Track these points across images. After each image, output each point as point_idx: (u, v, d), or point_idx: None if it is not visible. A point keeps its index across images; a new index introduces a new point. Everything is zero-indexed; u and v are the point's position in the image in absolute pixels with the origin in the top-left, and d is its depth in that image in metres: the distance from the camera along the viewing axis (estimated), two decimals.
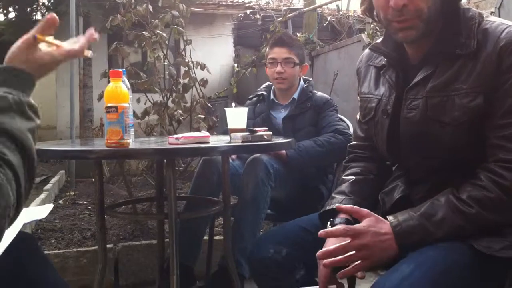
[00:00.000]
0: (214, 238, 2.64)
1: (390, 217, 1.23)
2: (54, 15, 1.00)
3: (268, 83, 2.75)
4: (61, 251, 2.80)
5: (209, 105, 3.19)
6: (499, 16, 3.49)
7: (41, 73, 0.99)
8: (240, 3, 9.84)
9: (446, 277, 1.10)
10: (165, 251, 2.33)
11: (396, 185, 1.40)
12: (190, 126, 3.12)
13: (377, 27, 5.08)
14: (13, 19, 7.78)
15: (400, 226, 1.19)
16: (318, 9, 8.04)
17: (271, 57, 2.57)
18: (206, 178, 2.38)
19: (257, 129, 1.91)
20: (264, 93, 2.68)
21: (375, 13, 1.34)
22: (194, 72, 3.11)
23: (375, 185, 1.47)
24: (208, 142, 1.78)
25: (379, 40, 1.42)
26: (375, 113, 1.41)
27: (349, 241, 1.19)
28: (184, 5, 3.06)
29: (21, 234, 1.22)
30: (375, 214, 1.24)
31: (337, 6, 9.21)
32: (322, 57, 6.33)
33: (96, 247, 2.66)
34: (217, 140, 1.95)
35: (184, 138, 1.75)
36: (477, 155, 1.22)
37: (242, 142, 1.81)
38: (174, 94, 3.10)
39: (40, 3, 7.65)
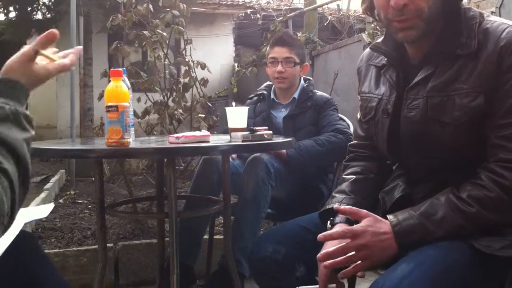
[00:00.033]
0: (214, 237, 2.64)
1: (390, 216, 1.23)
2: (55, 30, 1.01)
3: (268, 82, 2.75)
4: (61, 250, 2.80)
5: (210, 104, 3.19)
6: (500, 16, 3.49)
7: (34, 86, 1.01)
8: (240, 3, 9.84)
9: (446, 276, 1.10)
10: (165, 250, 2.33)
11: (396, 185, 1.40)
12: (190, 126, 3.12)
13: (377, 27, 5.08)
14: (13, 19, 7.78)
15: (400, 225, 1.19)
16: (318, 8, 8.04)
17: (271, 56, 2.57)
18: (206, 177, 2.38)
19: (257, 128, 1.91)
20: (265, 92, 2.68)
21: (376, 12, 1.34)
22: (195, 72, 3.11)
23: (375, 184, 1.47)
24: (208, 141, 1.78)
25: (379, 40, 1.42)
26: (376, 113, 1.41)
27: (349, 241, 1.19)
28: (184, 5, 3.06)
29: (21, 233, 1.22)
30: (374, 214, 1.24)
31: (338, 5, 9.21)
32: (323, 57, 6.33)
33: (96, 246, 2.65)
34: (218, 139, 1.95)
35: (184, 137, 1.75)
36: (478, 155, 1.22)
37: (242, 141, 1.81)
38: (174, 94, 3.10)
39: (41, 3, 7.66)
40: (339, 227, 1.33)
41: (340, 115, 2.60)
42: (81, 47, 1.13)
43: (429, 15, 1.23)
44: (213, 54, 8.64)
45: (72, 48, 1.12)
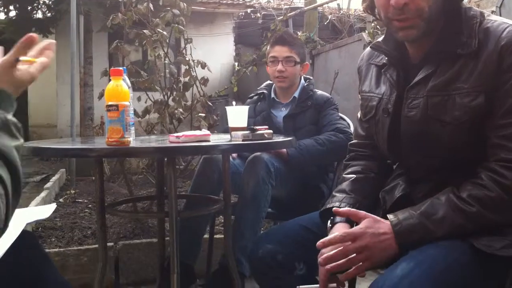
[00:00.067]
0: (215, 236, 2.65)
1: (390, 216, 1.23)
2: (34, 35, 1.01)
3: (269, 81, 2.75)
4: (61, 249, 2.80)
5: (210, 103, 3.19)
6: (500, 15, 3.49)
7: (19, 92, 1.01)
8: (241, 2, 9.83)
9: (446, 275, 1.10)
10: (165, 249, 2.33)
11: (397, 184, 1.40)
12: (190, 125, 3.12)
13: (378, 26, 5.07)
14: (13, 18, 7.78)
15: (400, 225, 1.19)
16: (319, 8, 8.03)
17: (272, 55, 2.57)
18: (206, 177, 2.38)
19: (257, 127, 1.90)
20: (265, 91, 2.68)
21: (376, 11, 1.34)
22: (195, 71, 3.11)
23: (375, 183, 1.47)
24: (208, 141, 1.78)
25: (380, 39, 1.42)
26: (376, 112, 1.41)
27: (349, 244, 1.19)
28: (185, 4, 3.06)
29: (22, 233, 1.22)
30: (373, 215, 1.24)
31: (338, 5, 9.19)
32: (323, 56, 6.33)
33: (96, 246, 2.66)
34: (218, 139, 1.95)
35: (184, 136, 1.75)
36: (478, 154, 1.22)
37: (242, 140, 1.81)
38: (174, 93, 3.10)
39: (41, 2, 7.66)
40: (339, 227, 1.33)
41: (340, 114, 2.59)
42: (54, 41, 1.11)
43: (429, 15, 1.23)
44: (213, 53, 8.64)
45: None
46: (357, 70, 1.56)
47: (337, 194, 1.45)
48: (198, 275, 2.44)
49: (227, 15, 10.09)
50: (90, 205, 4.09)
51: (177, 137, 1.76)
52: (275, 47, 2.57)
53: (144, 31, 3.00)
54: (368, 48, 1.51)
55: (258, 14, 7.57)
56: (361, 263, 1.18)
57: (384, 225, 1.21)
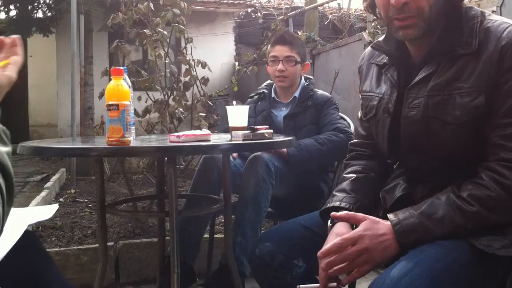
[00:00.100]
0: (215, 236, 2.64)
1: (390, 215, 1.23)
2: (1, 38, 1.00)
3: (269, 81, 2.75)
4: (61, 249, 2.81)
5: (210, 103, 3.18)
6: (501, 15, 3.48)
7: (1, 97, 0.99)
8: (241, 2, 9.82)
9: (446, 275, 1.10)
10: (165, 249, 2.33)
11: (397, 184, 1.40)
12: (191, 124, 3.12)
13: (378, 26, 5.07)
14: (14, 17, 7.77)
15: (400, 224, 1.19)
16: (319, 7, 8.03)
17: (272, 55, 2.57)
18: (206, 176, 2.38)
19: (258, 127, 1.90)
20: (265, 91, 2.68)
21: (377, 11, 1.34)
22: (195, 70, 3.10)
23: (376, 183, 1.47)
24: (209, 140, 1.78)
25: (381, 38, 1.42)
26: (377, 111, 1.41)
27: (349, 248, 1.19)
28: (185, 3, 3.05)
29: (24, 233, 1.22)
30: (371, 216, 1.24)
31: (338, 4, 9.20)
32: (323, 56, 6.33)
33: (96, 245, 2.66)
34: (218, 138, 1.95)
35: (185, 136, 1.75)
36: (478, 154, 1.22)
37: (243, 140, 1.81)
38: (175, 92, 3.10)
39: (41, 1, 7.65)
40: (339, 226, 1.33)
41: (340, 114, 2.59)
42: (18, 36, 1.08)
43: (430, 14, 1.23)
44: (214, 53, 8.64)
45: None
46: (357, 70, 1.56)
47: (338, 194, 1.45)
48: (198, 274, 2.44)
49: (227, 15, 10.09)
50: (90, 205, 4.09)
51: (177, 136, 1.76)
52: (276, 46, 2.57)
53: (145, 30, 3.00)
54: (369, 48, 1.51)
55: (259, 14, 7.57)
56: (362, 266, 1.18)
57: (383, 225, 1.21)
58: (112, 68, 1.67)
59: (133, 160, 5.02)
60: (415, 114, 1.28)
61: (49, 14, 7.76)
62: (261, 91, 2.70)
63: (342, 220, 1.29)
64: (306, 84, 2.63)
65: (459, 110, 1.21)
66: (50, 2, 7.60)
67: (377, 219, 1.23)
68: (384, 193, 1.42)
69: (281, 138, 1.98)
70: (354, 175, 1.49)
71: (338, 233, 1.28)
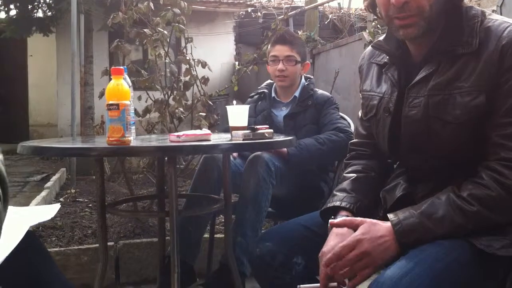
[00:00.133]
0: (215, 236, 2.64)
1: (390, 215, 1.23)
2: None
3: (269, 81, 2.75)
4: (62, 249, 2.81)
5: (210, 103, 3.18)
6: (501, 14, 3.48)
7: None
8: (241, 1, 9.81)
9: (446, 274, 1.10)
10: (166, 248, 2.33)
11: (397, 183, 1.40)
12: (191, 124, 3.12)
13: (378, 25, 5.07)
14: (14, 17, 7.77)
15: (401, 224, 1.19)
16: (319, 7, 8.02)
17: (272, 54, 2.57)
18: (207, 176, 2.38)
19: (258, 127, 1.90)
20: (266, 91, 2.68)
21: (377, 10, 1.34)
22: (195, 70, 3.10)
23: (376, 182, 1.47)
24: (209, 140, 1.78)
25: (381, 38, 1.42)
26: (377, 111, 1.41)
27: (349, 254, 1.19)
28: (185, 3, 3.05)
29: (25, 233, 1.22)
30: (369, 219, 1.24)
31: (339, 4, 9.20)
32: (323, 55, 6.32)
33: (97, 245, 2.66)
34: (218, 138, 1.95)
35: (185, 135, 1.75)
36: (479, 153, 1.22)
37: (243, 140, 1.81)
38: (175, 92, 3.10)
39: (42, 1, 7.64)
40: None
41: (341, 113, 2.59)
42: None
43: (430, 13, 1.23)
44: (214, 53, 8.64)
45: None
46: (358, 69, 1.56)
47: (338, 193, 1.45)
48: (198, 274, 2.44)
49: (227, 14, 10.08)
50: (90, 205, 4.09)
51: (177, 136, 1.76)
52: (276, 46, 2.57)
53: (145, 30, 2.99)
54: (370, 47, 1.51)
55: (259, 13, 7.56)
56: (364, 270, 1.18)
57: (382, 227, 1.20)
58: (112, 67, 1.67)
59: (133, 160, 5.02)
60: (416, 113, 1.28)
61: (49, 13, 7.76)
62: (261, 90, 2.70)
63: (340, 227, 1.29)
64: (306, 83, 2.63)
65: (460, 110, 1.21)
66: (50, 1, 7.59)
67: (376, 221, 1.23)
68: (384, 192, 1.42)
69: (281, 138, 1.98)
70: (354, 175, 1.49)
71: (339, 233, 1.28)
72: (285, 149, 2.34)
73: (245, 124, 1.96)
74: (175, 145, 1.74)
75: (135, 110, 2.03)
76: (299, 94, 2.59)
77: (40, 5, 7.71)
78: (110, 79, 1.66)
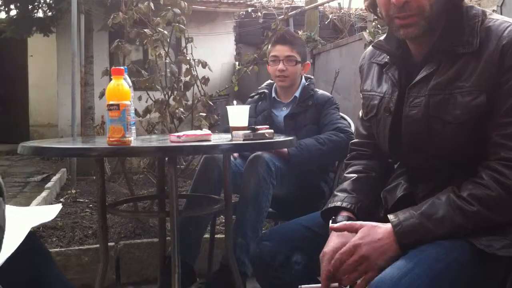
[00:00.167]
0: (216, 236, 2.64)
1: (390, 216, 1.23)
2: None
3: (269, 81, 2.75)
4: (62, 249, 2.81)
5: (211, 103, 3.18)
6: (501, 14, 3.47)
7: None
8: (241, 1, 9.81)
9: (446, 275, 1.10)
10: (166, 249, 2.33)
11: (398, 183, 1.39)
12: (191, 124, 3.12)
13: (378, 25, 5.06)
14: (14, 17, 7.78)
15: (401, 225, 1.19)
16: (319, 7, 8.02)
17: (273, 54, 2.57)
18: (207, 176, 2.38)
19: (258, 127, 1.90)
20: (266, 91, 2.68)
21: (378, 10, 1.34)
22: (196, 70, 3.10)
23: (377, 183, 1.47)
24: (209, 140, 1.78)
25: (382, 38, 1.42)
26: (378, 111, 1.41)
27: (349, 259, 1.19)
28: (185, 3, 3.05)
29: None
30: (369, 223, 1.24)
31: (339, 4, 9.19)
32: (324, 55, 6.32)
33: (97, 245, 2.66)
34: (219, 138, 1.95)
35: (185, 136, 1.75)
36: (479, 153, 1.22)
37: (243, 140, 1.80)
38: (175, 92, 3.10)
39: (42, 1, 7.64)
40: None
41: (341, 114, 2.59)
42: None
43: (430, 13, 1.23)
44: (214, 53, 8.63)
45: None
46: (358, 69, 1.56)
47: (339, 194, 1.45)
48: (199, 274, 2.44)
49: (228, 14, 10.08)
50: (91, 205, 4.09)
51: (178, 136, 1.76)
52: (276, 46, 2.57)
53: (145, 30, 2.99)
54: (370, 47, 1.51)
55: (259, 13, 7.55)
56: (366, 273, 1.18)
57: (381, 229, 1.20)
58: (113, 68, 1.67)
59: (134, 160, 5.02)
60: (416, 113, 1.28)
61: (50, 13, 7.76)
62: (262, 91, 2.70)
63: (341, 231, 1.29)
64: (306, 84, 2.63)
65: (460, 109, 1.21)
66: (51, 1, 7.59)
67: (376, 224, 1.23)
68: (385, 193, 1.42)
69: (281, 138, 1.98)
70: (355, 175, 1.49)
71: (340, 234, 1.28)
72: (285, 149, 2.34)
73: (246, 124, 1.96)
74: (176, 146, 1.74)
75: (135, 110, 2.03)
76: (300, 94, 2.59)
77: (40, 5, 7.71)
78: (111, 79, 1.66)
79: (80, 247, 2.84)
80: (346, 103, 4.94)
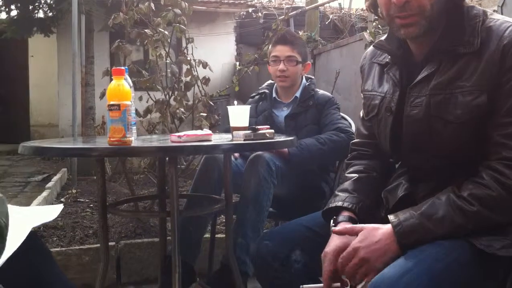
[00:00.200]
0: (216, 236, 2.64)
1: (390, 217, 1.23)
2: None
3: (270, 81, 2.75)
4: (63, 248, 2.81)
5: (211, 103, 3.18)
6: (502, 14, 3.47)
7: None
8: (242, 2, 9.82)
9: (445, 274, 1.10)
10: (167, 249, 2.33)
11: (399, 183, 1.39)
12: (192, 124, 3.12)
13: (379, 26, 5.07)
14: (15, 17, 7.78)
15: (401, 226, 1.19)
16: (320, 7, 8.02)
17: (273, 55, 2.57)
18: (208, 176, 2.38)
19: (259, 127, 1.90)
20: (267, 91, 2.68)
21: (379, 10, 1.34)
22: (196, 70, 3.10)
23: (378, 183, 1.47)
24: (210, 140, 1.78)
25: (383, 38, 1.42)
26: (379, 110, 1.41)
27: (349, 263, 1.20)
28: (186, 3, 3.05)
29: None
30: (369, 225, 1.24)
31: (339, 4, 9.19)
32: (324, 56, 6.32)
33: (98, 245, 2.66)
34: (219, 138, 1.95)
35: (186, 136, 1.75)
36: (480, 153, 1.22)
37: (244, 140, 1.81)
38: (176, 92, 3.10)
39: (42, 1, 7.65)
40: (342, 226, 1.33)
41: (341, 114, 2.59)
42: None
43: (431, 13, 1.23)
44: (215, 53, 8.63)
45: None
46: (359, 69, 1.56)
47: (340, 194, 1.45)
48: (199, 274, 2.44)
49: (228, 15, 10.08)
50: (91, 205, 4.09)
51: (178, 136, 1.76)
52: (277, 46, 2.57)
53: (146, 30, 2.99)
54: (371, 47, 1.51)
55: (260, 14, 7.56)
56: (367, 275, 1.18)
57: (380, 231, 1.21)
58: (113, 68, 1.68)
59: (134, 160, 5.02)
60: (417, 113, 1.28)
61: (50, 14, 7.76)
62: (262, 91, 2.70)
63: (342, 235, 1.29)
64: (307, 84, 2.63)
65: (461, 109, 1.21)
66: (51, 2, 7.60)
67: (376, 226, 1.23)
68: (386, 193, 1.42)
69: (282, 138, 1.98)
70: (356, 175, 1.49)
71: None
72: (285, 149, 2.34)
73: (246, 124, 1.96)
74: (176, 146, 1.74)
75: (136, 110, 2.03)
76: (300, 95, 2.59)
77: (41, 6, 7.71)
78: (111, 80, 1.66)
79: (81, 247, 2.84)
80: (347, 103, 4.94)
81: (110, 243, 2.57)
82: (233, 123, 1.96)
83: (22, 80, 11.14)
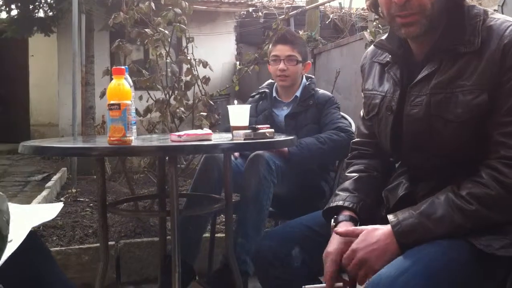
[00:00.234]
0: (216, 235, 2.64)
1: (390, 216, 1.23)
2: None
3: (270, 80, 2.75)
4: (63, 248, 2.81)
5: (211, 102, 3.18)
6: (502, 14, 3.46)
7: None
8: (242, 1, 9.81)
9: (444, 274, 1.10)
10: (166, 248, 2.33)
11: (400, 182, 1.39)
12: (192, 124, 3.12)
13: (379, 25, 5.06)
14: (15, 17, 7.78)
15: (400, 225, 1.19)
16: (320, 7, 8.02)
17: (274, 54, 2.57)
18: (207, 176, 2.38)
19: (259, 126, 1.90)
20: (267, 90, 2.68)
21: (380, 9, 1.34)
22: (196, 70, 3.10)
23: (378, 182, 1.47)
24: (210, 140, 1.78)
25: (383, 37, 1.42)
26: (379, 110, 1.41)
27: (350, 263, 1.20)
28: (186, 3, 3.05)
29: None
30: (369, 227, 1.25)
31: (340, 4, 9.18)
32: (325, 55, 6.32)
33: (98, 244, 2.66)
34: (219, 138, 1.95)
35: (186, 135, 1.75)
36: (480, 152, 1.22)
37: (244, 139, 1.80)
38: (176, 92, 3.10)
39: (43, 1, 7.65)
40: (343, 225, 1.33)
41: (342, 113, 2.59)
42: None
43: (432, 12, 1.23)
44: (215, 52, 8.63)
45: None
46: (360, 69, 1.56)
47: (340, 193, 1.45)
48: (199, 274, 2.44)
49: (228, 14, 10.08)
50: (91, 204, 4.09)
51: (178, 136, 1.76)
52: (277, 46, 2.57)
53: (146, 30, 2.99)
54: (372, 46, 1.51)
55: (260, 13, 7.57)
56: (368, 276, 1.18)
57: (378, 232, 1.21)
58: (114, 67, 1.68)
59: (134, 160, 5.01)
60: (418, 112, 1.28)
61: (51, 13, 7.76)
62: (262, 90, 2.70)
63: (344, 236, 1.29)
64: (307, 83, 2.63)
65: (461, 108, 1.21)
66: (52, 1, 7.59)
67: (376, 226, 1.23)
68: (386, 192, 1.42)
69: (282, 137, 1.98)
70: (356, 174, 1.49)
71: None
72: (285, 148, 2.34)
73: (246, 123, 1.96)
74: (176, 145, 1.74)
75: (136, 109, 2.03)
76: (300, 94, 2.59)
77: (41, 5, 7.71)
78: (111, 79, 1.66)
79: (81, 246, 2.84)
80: (347, 103, 4.94)
81: (110, 243, 2.57)
82: (233, 122, 1.96)
83: (22, 79, 11.13)
